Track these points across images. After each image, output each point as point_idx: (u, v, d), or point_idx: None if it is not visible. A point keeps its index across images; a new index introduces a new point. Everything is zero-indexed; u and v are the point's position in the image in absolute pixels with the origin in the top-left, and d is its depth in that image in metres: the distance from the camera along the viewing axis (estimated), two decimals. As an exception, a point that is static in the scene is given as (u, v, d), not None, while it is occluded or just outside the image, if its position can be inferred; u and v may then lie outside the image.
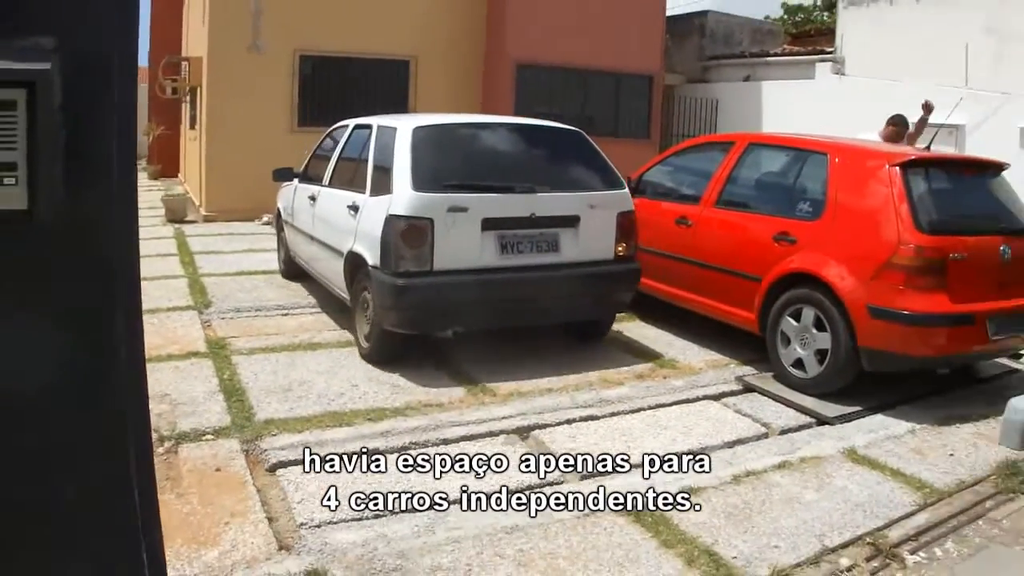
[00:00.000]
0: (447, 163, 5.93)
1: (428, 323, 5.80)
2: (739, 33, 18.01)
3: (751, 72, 16.33)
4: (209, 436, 4.55)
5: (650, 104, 15.34)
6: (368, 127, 6.70)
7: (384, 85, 13.61)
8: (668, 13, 16.25)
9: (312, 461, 4.15)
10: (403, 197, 5.50)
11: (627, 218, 6.30)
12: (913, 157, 5.79)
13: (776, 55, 16.39)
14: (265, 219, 12.14)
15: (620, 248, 6.25)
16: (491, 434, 4.80)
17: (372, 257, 5.67)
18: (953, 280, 5.43)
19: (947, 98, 10.17)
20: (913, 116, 8.89)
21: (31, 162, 1.41)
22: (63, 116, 1.42)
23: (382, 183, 5.82)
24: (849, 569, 3.55)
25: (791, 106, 14.45)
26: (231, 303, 7.26)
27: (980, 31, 12.12)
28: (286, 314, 7.26)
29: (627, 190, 6.41)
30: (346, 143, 7.17)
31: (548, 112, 13.83)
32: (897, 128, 8.50)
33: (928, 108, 8.67)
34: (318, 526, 3.65)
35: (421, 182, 5.54)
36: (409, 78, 13.75)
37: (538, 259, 5.90)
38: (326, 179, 7.16)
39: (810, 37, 20.52)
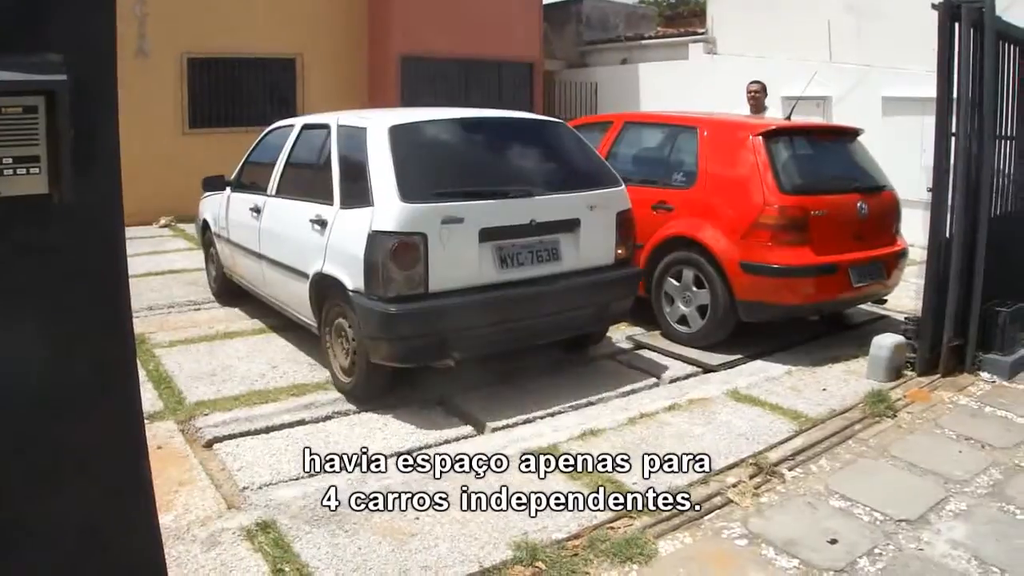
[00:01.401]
0: (434, 167, 5.24)
1: (425, 354, 4.96)
2: (615, 18, 18.58)
3: (628, 55, 16.90)
4: (145, 421, 4.82)
5: (532, 90, 15.74)
6: (323, 127, 5.91)
7: (271, 84, 13.73)
8: (546, 1, 16.64)
9: (245, 433, 4.56)
10: (389, 210, 4.76)
11: (626, 217, 5.75)
12: (774, 127, 6.39)
13: (650, 38, 17.00)
14: (163, 221, 12.24)
15: (620, 251, 5.71)
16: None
17: (352, 280, 4.91)
18: (816, 235, 6.05)
19: (811, 72, 10.91)
20: (779, 90, 9.56)
21: (50, 155, 1.78)
22: (73, 118, 1.80)
23: (355, 193, 5.08)
24: (735, 485, 4.06)
25: (667, 86, 15.04)
26: (144, 302, 7.43)
27: (841, 9, 12.83)
28: (198, 309, 7.48)
29: (623, 186, 5.79)
30: (294, 146, 6.31)
31: (434, 103, 14.21)
32: (756, 94, 9.10)
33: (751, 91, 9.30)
34: (260, 488, 4.01)
35: (409, 191, 4.80)
36: (296, 76, 13.88)
37: (539, 270, 5.28)
38: (271, 188, 6.30)
39: (684, 19, 21.34)
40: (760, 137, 6.18)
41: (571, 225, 5.42)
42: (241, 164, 7.24)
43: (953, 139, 5.56)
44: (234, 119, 13.26)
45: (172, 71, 12.76)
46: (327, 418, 4.90)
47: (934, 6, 5.50)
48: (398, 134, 5.10)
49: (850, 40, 12.60)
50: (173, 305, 7.55)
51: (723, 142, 6.51)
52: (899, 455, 4.44)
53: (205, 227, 7.93)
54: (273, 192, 6.27)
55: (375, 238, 4.75)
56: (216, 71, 13.19)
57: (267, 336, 6.54)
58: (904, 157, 8.99)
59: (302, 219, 5.53)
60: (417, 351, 4.94)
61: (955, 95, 5.53)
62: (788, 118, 7.32)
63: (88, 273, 1.89)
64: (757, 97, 9.03)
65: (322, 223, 5.29)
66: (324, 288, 5.30)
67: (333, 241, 5.15)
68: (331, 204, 5.28)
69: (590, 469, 4.17)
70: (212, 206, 7.61)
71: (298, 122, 6.54)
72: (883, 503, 3.86)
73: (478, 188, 5.13)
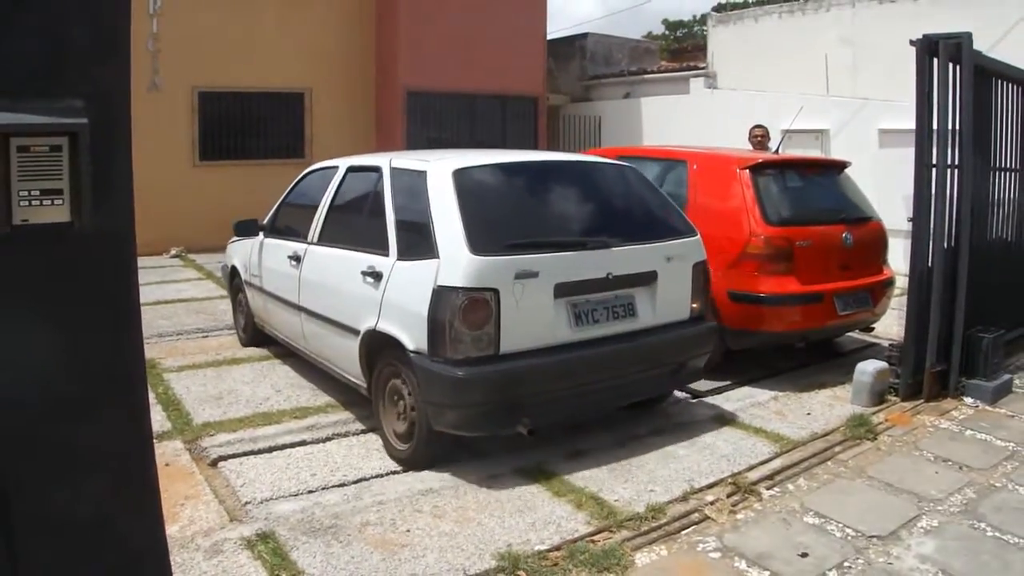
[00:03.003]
0: (503, 215, 4.82)
1: (495, 421, 4.49)
2: (618, 53, 18.84)
3: (631, 89, 17.16)
4: (154, 440, 5.04)
5: (536, 124, 15.97)
6: (373, 169, 5.46)
7: (281, 117, 14.00)
8: (550, 36, 16.90)
9: (248, 452, 4.79)
10: (458, 263, 4.33)
11: (703, 269, 5.35)
12: (760, 160, 6.61)
13: (653, 72, 17.26)
14: (173, 252, 12.49)
15: (695, 305, 5.30)
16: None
17: (413, 340, 4.48)
18: (801, 265, 6.25)
19: (810, 105, 11.16)
20: (778, 123, 9.80)
21: (72, 187, 2.02)
22: (92, 155, 2.04)
23: (415, 243, 4.68)
24: (713, 503, 4.25)
25: (669, 120, 15.29)
26: (154, 329, 7.66)
27: (837, 43, 13.12)
28: (206, 336, 7.70)
29: (699, 236, 5.39)
30: (338, 190, 5.83)
31: (439, 136, 14.43)
32: (760, 138, 9.39)
33: (756, 135, 9.58)
34: (261, 502, 4.21)
35: (479, 242, 4.38)
36: (304, 109, 14.15)
37: (615, 328, 4.87)
38: (312, 234, 5.82)
39: (688, 52, 21.64)
40: (747, 170, 6.39)
41: (648, 278, 5.03)
42: (276, 208, 6.81)
43: (933, 170, 5.76)
44: (244, 152, 13.58)
45: (183, 104, 13.05)
46: (327, 439, 5.09)
47: (911, 42, 5.73)
48: (463, 179, 4.69)
49: (847, 73, 12.86)
50: (182, 332, 7.77)
51: (712, 175, 6.71)
52: (876, 475, 4.61)
53: (233, 274, 7.54)
54: (315, 239, 5.79)
55: (441, 294, 4.32)
56: (226, 104, 13.47)
57: (272, 363, 6.75)
58: (899, 188, 9.17)
59: (352, 270, 5.08)
60: (487, 418, 4.48)
61: (934, 127, 5.74)
62: (776, 151, 7.53)
63: (104, 291, 2.13)
64: (761, 141, 9.30)
65: (376, 275, 4.85)
66: (377, 347, 4.88)
67: (390, 296, 4.72)
68: (386, 255, 4.84)
69: (574, 487, 4.39)
70: (241, 251, 7.23)
71: (342, 164, 6.01)
72: (856, 520, 4.02)
73: (552, 239, 4.73)
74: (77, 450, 2.14)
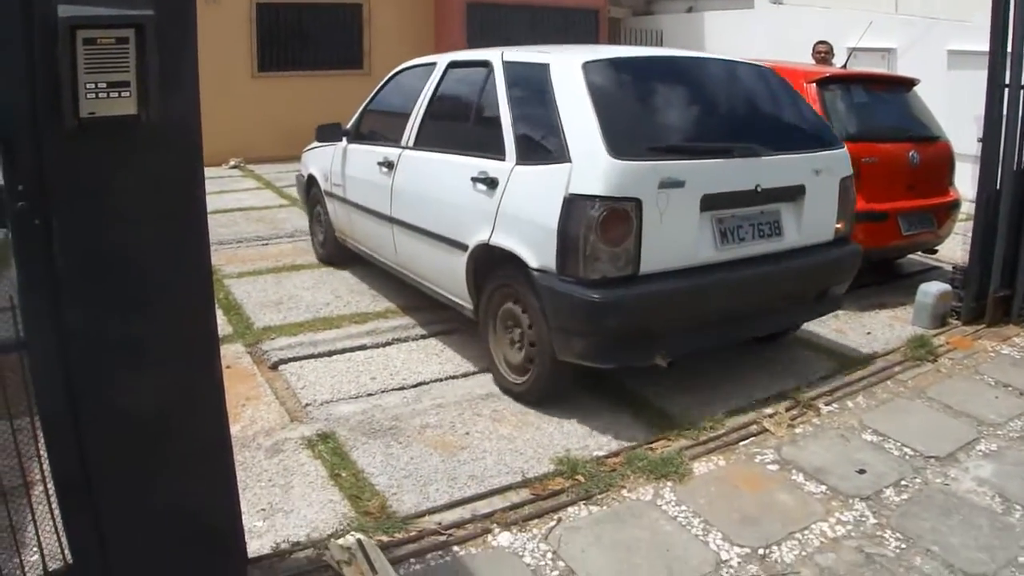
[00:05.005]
0: (641, 116, 4.24)
1: (631, 351, 4.01)
2: (682, -35, 18.36)
3: (694, 3, 16.72)
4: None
5: (596, 37, 15.72)
6: (481, 65, 4.93)
7: (338, 29, 13.85)
8: (613, -53, 16.53)
9: (309, 356, 4.88)
10: (596, 168, 3.79)
11: (848, 185, 4.83)
12: (828, 75, 6.43)
13: (718, -15, 16.82)
14: (232, 163, 12.58)
15: (839, 225, 4.80)
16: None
17: (537, 257, 3.98)
18: (866, 182, 6.07)
19: (877, 23, 10.79)
20: (843, 41, 9.50)
21: (139, 81, 2.02)
22: (158, 48, 2.04)
23: (539, 146, 4.19)
24: (772, 415, 4.24)
25: (732, 35, 14.89)
26: (214, 237, 7.58)
27: (908, -43, 12.65)
28: (265, 244, 7.77)
29: (845, 148, 4.88)
30: (437, 89, 5.30)
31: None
32: (824, 54, 9.12)
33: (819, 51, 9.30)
34: (321, 404, 4.29)
35: (619, 144, 3.83)
36: (363, 21, 13.99)
37: (760, 247, 4.35)
38: (407, 138, 5.32)
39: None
40: (815, 84, 6.22)
41: (795, 193, 4.49)
42: (361, 111, 6.32)
43: (1006, 90, 5.56)
44: (302, 63, 13.49)
45: (242, 16, 12.96)
46: (387, 344, 5.14)
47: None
48: (594, 73, 4.14)
49: (916, -9, 12.39)
50: (242, 240, 7.86)
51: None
52: (935, 397, 4.55)
53: (311, 183, 7.07)
54: (410, 143, 5.29)
55: (575, 204, 3.80)
56: (284, 16, 13.35)
57: (332, 269, 6.79)
58: (967, 112, 8.90)
59: (458, 177, 4.59)
60: (622, 348, 3.99)
61: (1008, 48, 5.52)
62: (844, 67, 7.32)
63: (170, 184, 2.15)
64: (825, 57, 9.04)
65: (489, 182, 4.33)
66: (490, 263, 4.40)
67: (507, 205, 4.20)
68: (502, 158, 4.32)
69: (635, 397, 4.44)
70: (320, 159, 6.74)
71: (440, 60, 5.46)
72: (914, 440, 3.99)
73: (698, 144, 4.19)
74: (144, 344, 2.18)
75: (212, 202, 9.12)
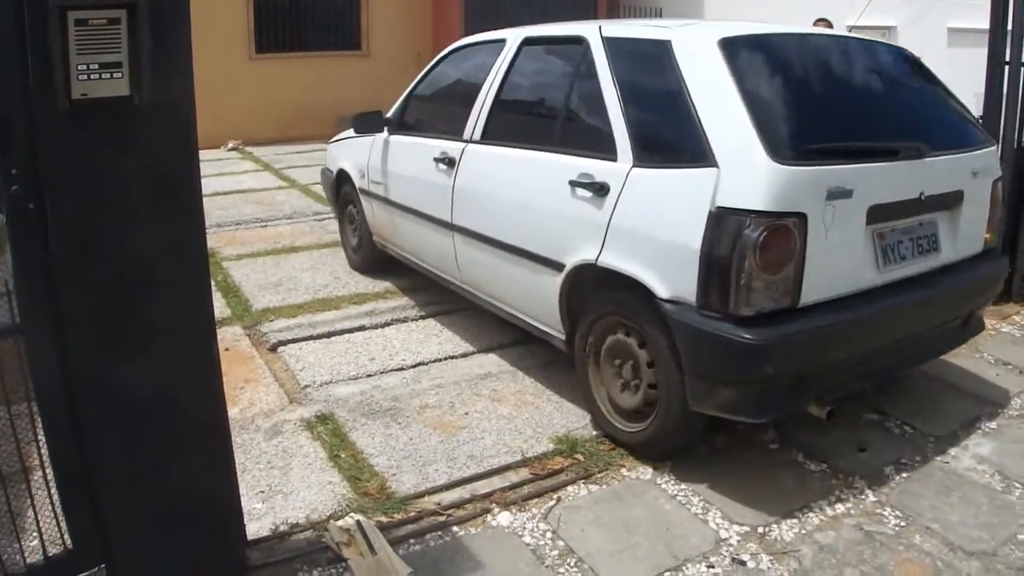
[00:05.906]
0: (795, 108, 3.33)
1: (784, 399, 3.23)
2: (682, -59, 18.21)
3: (693, -21, 16.64)
4: (215, 325, 5.17)
5: (595, 14, 15.62)
6: (573, 41, 4.00)
7: (336, 9, 13.80)
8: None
9: (307, 338, 4.87)
10: (752, 175, 2.99)
11: (999, 188, 4.05)
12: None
13: (717, -39, 16.69)
14: (231, 145, 12.56)
15: (988, 235, 4.01)
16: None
17: (668, 285, 3.20)
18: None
19: (877, 1, 10.74)
20: (843, 19, 9.46)
21: (131, 62, 2.01)
22: (151, 29, 2.02)
23: (667, 144, 3.39)
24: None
25: (733, 11, 14.78)
26: (213, 219, 7.71)
27: (911, -65, 12.54)
28: (264, 226, 7.76)
29: (996, 145, 4.24)
30: (510, 71, 4.41)
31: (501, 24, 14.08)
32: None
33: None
34: (320, 385, 4.29)
35: (777, 145, 3.02)
36: (360, 3, 13.83)
37: (919, 266, 3.60)
38: (472, 130, 4.48)
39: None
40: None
41: (953, 200, 3.73)
42: (405, 97, 5.47)
43: (1007, 68, 5.54)
44: (300, 44, 13.45)
45: (238, -4, 12.94)
46: (386, 324, 5.14)
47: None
48: (736, 52, 3.30)
49: (917, -33, 12.30)
50: (240, 222, 7.84)
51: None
52: (934, 375, 4.53)
53: (340, 180, 6.21)
54: (476, 136, 4.45)
55: (726, 221, 2.99)
56: (282, -3, 13.29)
57: (331, 250, 6.78)
58: (968, 89, 8.84)
59: (551, 180, 3.77)
60: (777, 397, 3.21)
61: (1009, 25, 5.50)
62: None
63: (164, 166, 2.13)
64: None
65: (597, 188, 3.51)
66: (594, 288, 3.66)
67: (623, 217, 3.40)
68: (613, 158, 3.49)
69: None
70: (354, 152, 5.90)
71: (511, 36, 4.55)
72: (914, 418, 3.98)
73: (861, 144, 3.36)
74: (141, 325, 2.18)
75: (210, 184, 9.24)
